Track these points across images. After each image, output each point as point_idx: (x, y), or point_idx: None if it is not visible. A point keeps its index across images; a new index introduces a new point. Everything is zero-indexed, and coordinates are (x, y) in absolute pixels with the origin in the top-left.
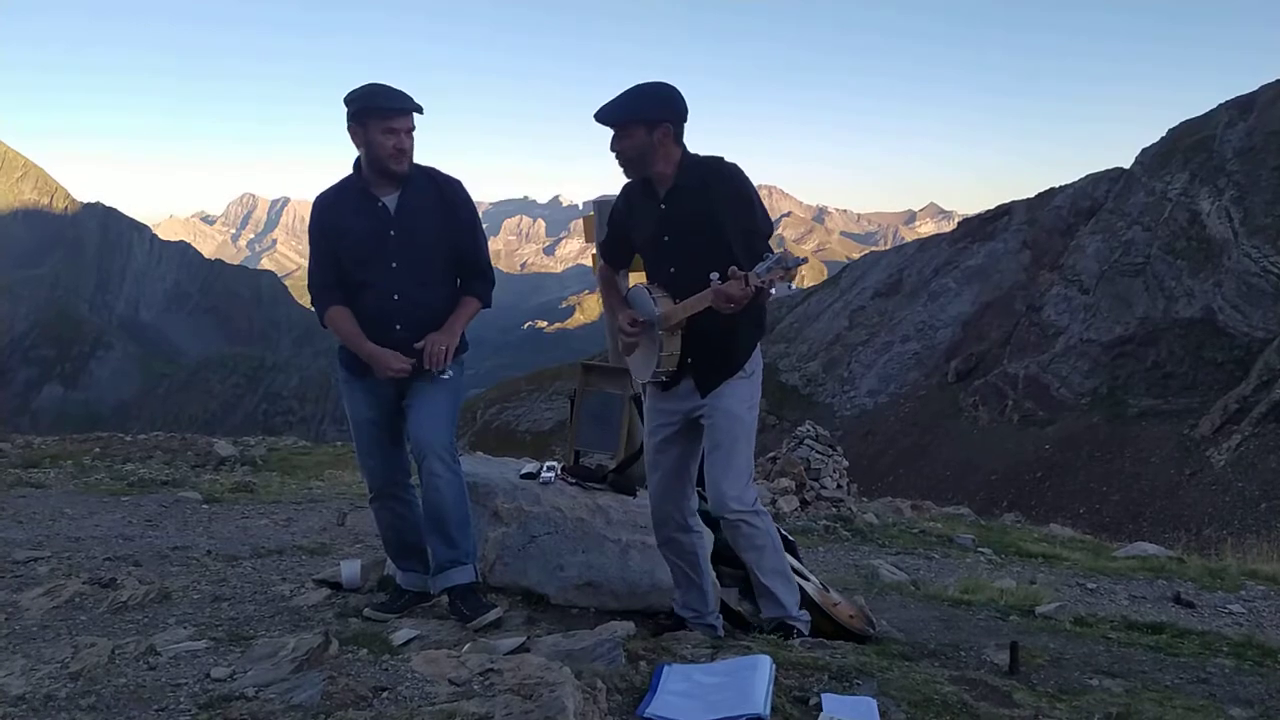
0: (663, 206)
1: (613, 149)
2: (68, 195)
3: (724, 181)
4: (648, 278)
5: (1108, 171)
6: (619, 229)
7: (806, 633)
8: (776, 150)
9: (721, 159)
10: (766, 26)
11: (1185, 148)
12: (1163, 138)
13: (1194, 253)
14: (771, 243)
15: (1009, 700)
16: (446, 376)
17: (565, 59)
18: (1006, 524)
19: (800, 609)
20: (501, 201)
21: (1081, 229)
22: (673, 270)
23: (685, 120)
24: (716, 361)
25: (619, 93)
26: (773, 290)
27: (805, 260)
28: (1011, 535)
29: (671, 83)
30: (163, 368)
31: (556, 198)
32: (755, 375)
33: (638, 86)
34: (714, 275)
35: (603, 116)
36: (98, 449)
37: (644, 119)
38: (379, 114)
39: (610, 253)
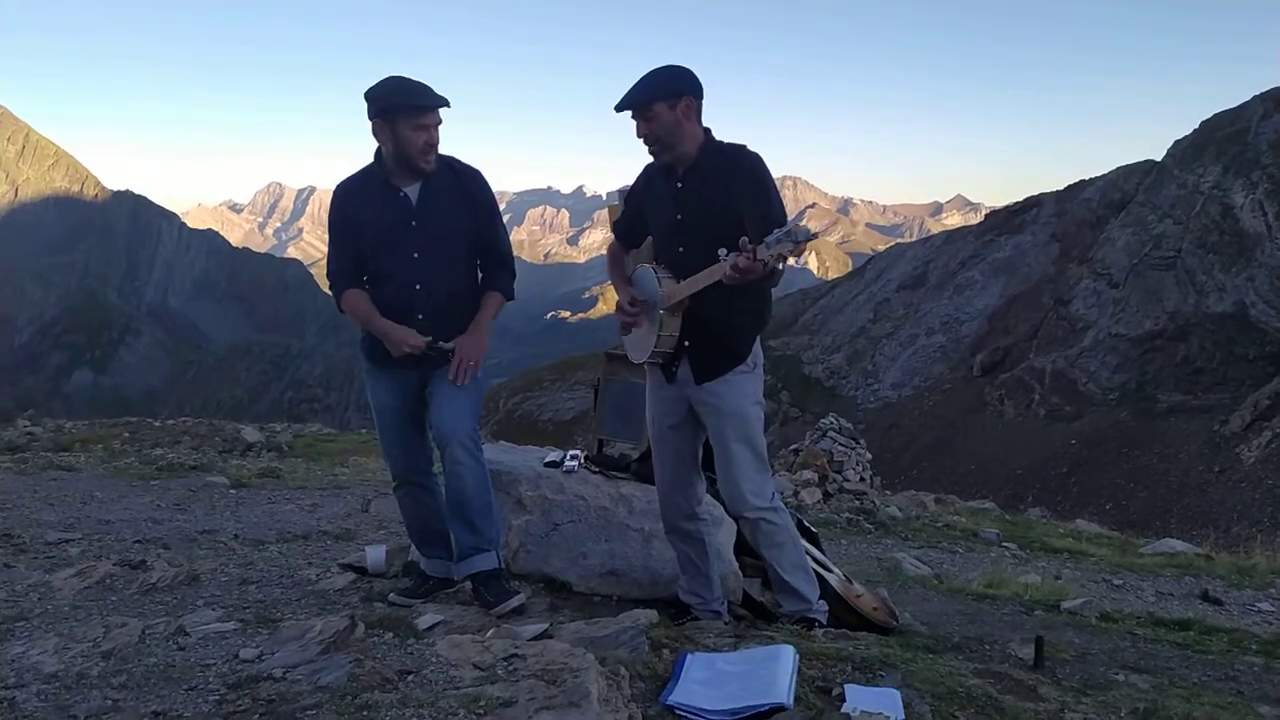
0: (679, 185)
1: (640, 134)
2: (98, 183)
3: (743, 167)
4: (656, 258)
5: (1139, 164)
6: (635, 206)
7: (826, 623)
8: (801, 141)
9: (744, 146)
10: (792, 17)
11: (1218, 140)
12: (1195, 130)
13: (1226, 247)
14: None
15: (1034, 694)
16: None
17: (588, 49)
18: (1032, 519)
19: (820, 600)
20: (525, 191)
21: (1111, 222)
22: (681, 250)
23: (703, 96)
24: (715, 348)
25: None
26: (780, 267)
27: (815, 235)
28: (1037, 530)
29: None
30: (190, 354)
31: (580, 188)
32: (758, 368)
33: (650, 71)
34: (722, 250)
35: (625, 102)
36: (127, 433)
37: (664, 95)
38: (409, 111)
39: (624, 230)
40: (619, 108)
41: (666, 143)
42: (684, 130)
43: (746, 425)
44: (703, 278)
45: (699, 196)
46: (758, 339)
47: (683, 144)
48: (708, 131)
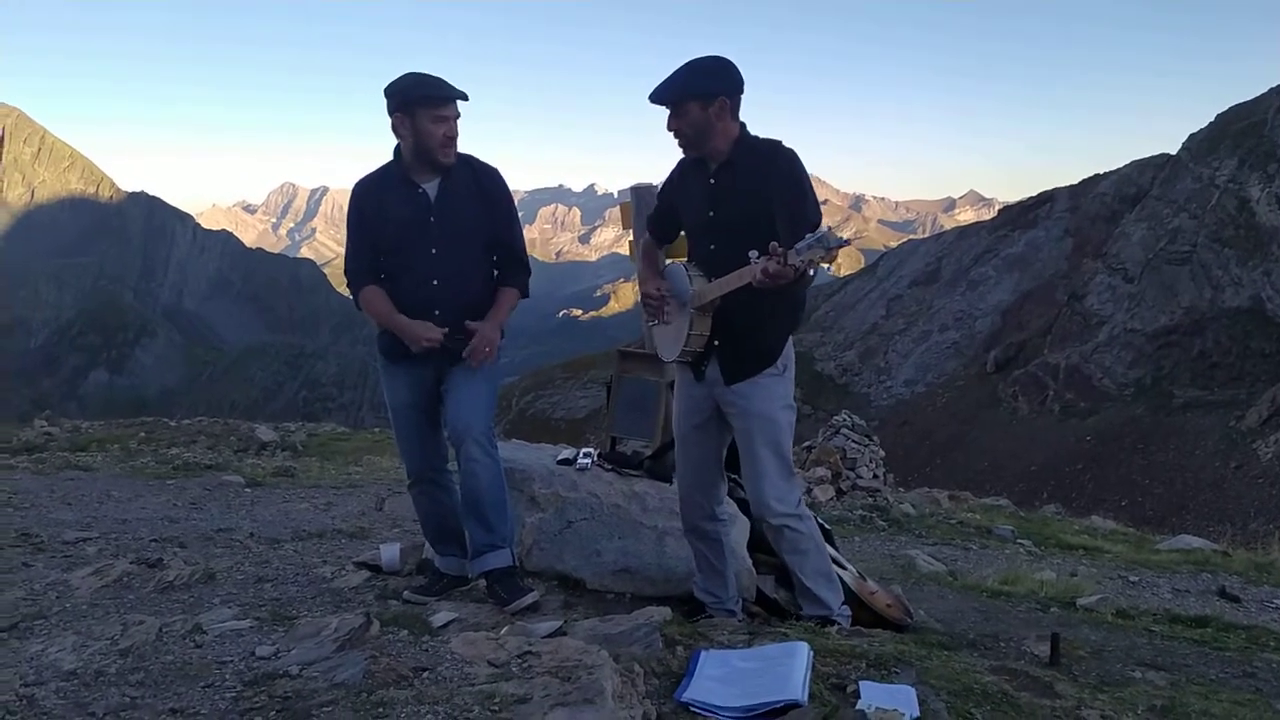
0: (712, 181)
1: (669, 128)
2: (113, 184)
3: (778, 163)
4: (689, 255)
5: (1154, 158)
6: (667, 201)
7: (847, 627)
8: (814, 137)
9: (780, 142)
10: (802, 14)
11: (1234, 133)
12: (1211, 123)
13: (1242, 241)
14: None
15: (1050, 691)
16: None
17: (599, 47)
18: (1046, 516)
19: (843, 605)
20: (537, 189)
21: (1126, 216)
22: (713, 247)
23: (741, 92)
24: (745, 348)
25: (673, 70)
26: (811, 272)
27: (847, 242)
28: (1051, 527)
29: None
30: (205, 355)
31: (592, 186)
32: (789, 371)
33: (690, 62)
34: (753, 253)
35: (657, 96)
36: (143, 433)
37: (698, 94)
38: (429, 103)
39: (657, 224)
40: (652, 99)
41: (695, 141)
42: (715, 129)
43: (774, 430)
44: (733, 279)
45: (732, 194)
46: (789, 341)
47: (713, 141)
48: (743, 126)
